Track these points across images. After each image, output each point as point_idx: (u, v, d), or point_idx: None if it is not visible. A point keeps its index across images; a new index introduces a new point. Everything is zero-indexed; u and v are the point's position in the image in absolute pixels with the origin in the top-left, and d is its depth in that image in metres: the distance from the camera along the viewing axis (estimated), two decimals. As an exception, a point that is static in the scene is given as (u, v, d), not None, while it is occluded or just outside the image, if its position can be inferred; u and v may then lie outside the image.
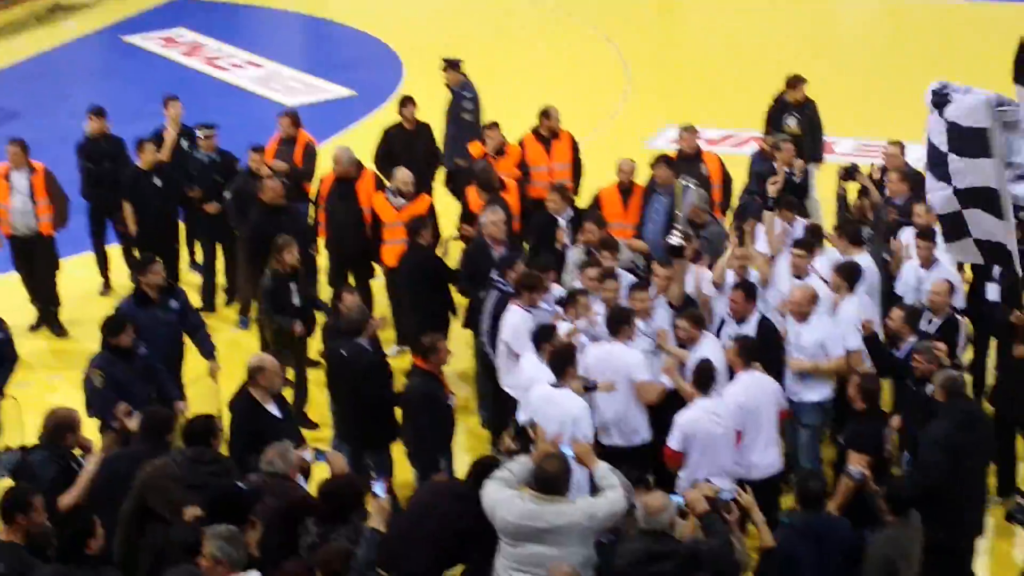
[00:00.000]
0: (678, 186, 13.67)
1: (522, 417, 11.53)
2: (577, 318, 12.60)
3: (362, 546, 8.65)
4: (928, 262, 13.67)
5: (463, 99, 18.35)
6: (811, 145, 17.49)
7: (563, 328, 12.32)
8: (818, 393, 12.48)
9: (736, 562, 9.31)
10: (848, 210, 15.54)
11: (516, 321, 12.82)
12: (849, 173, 15.74)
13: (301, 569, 8.24)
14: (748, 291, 12.77)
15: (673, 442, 11.46)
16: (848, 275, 12.96)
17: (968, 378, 12.96)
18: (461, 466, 11.33)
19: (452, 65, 18.59)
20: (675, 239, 13.13)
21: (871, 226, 14.56)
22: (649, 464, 11.66)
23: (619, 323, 12.31)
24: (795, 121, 17.71)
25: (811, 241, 13.67)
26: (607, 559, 9.37)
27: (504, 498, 9.45)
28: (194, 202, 16.97)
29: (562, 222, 15.08)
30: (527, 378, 12.05)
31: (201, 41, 28.63)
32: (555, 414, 11.14)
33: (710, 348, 12.27)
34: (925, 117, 11.44)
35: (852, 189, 15.62)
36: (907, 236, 14.36)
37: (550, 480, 9.40)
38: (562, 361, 11.61)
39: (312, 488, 10.20)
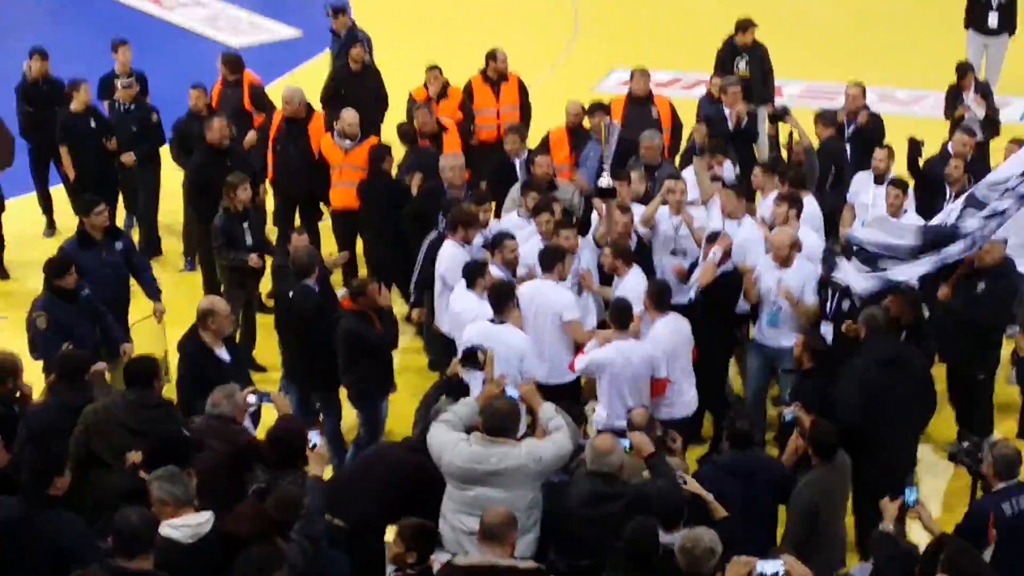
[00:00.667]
0: (602, 127, 13.70)
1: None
2: (503, 262, 12.65)
3: (309, 494, 8.62)
4: (898, 210, 13.71)
5: (355, 43, 18.08)
6: (760, 88, 17.49)
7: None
8: (792, 340, 12.47)
9: (682, 502, 9.34)
10: (778, 150, 15.71)
11: (448, 255, 12.98)
12: (778, 115, 15.83)
13: (253, 511, 8.20)
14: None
15: (579, 364, 11.79)
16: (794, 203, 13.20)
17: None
18: (410, 409, 11.30)
19: (340, 11, 18.46)
20: (604, 180, 13.21)
21: (802, 170, 14.61)
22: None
23: (552, 261, 12.40)
24: (745, 64, 17.70)
25: (743, 186, 13.90)
26: (557, 499, 9.36)
27: (450, 441, 9.43)
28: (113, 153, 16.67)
29: (519, 164, 15.09)
30: (459, 311, 12.20)
31: (145, -20, 28.32)
32: (499, 351, 11.14)
33: (635, 282, 12.39)
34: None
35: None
36: (862, 180, 14.54)
37: (497, 422, 9.39)
38: (502, 297, 11.68)
39: (261, 433, 10.16)
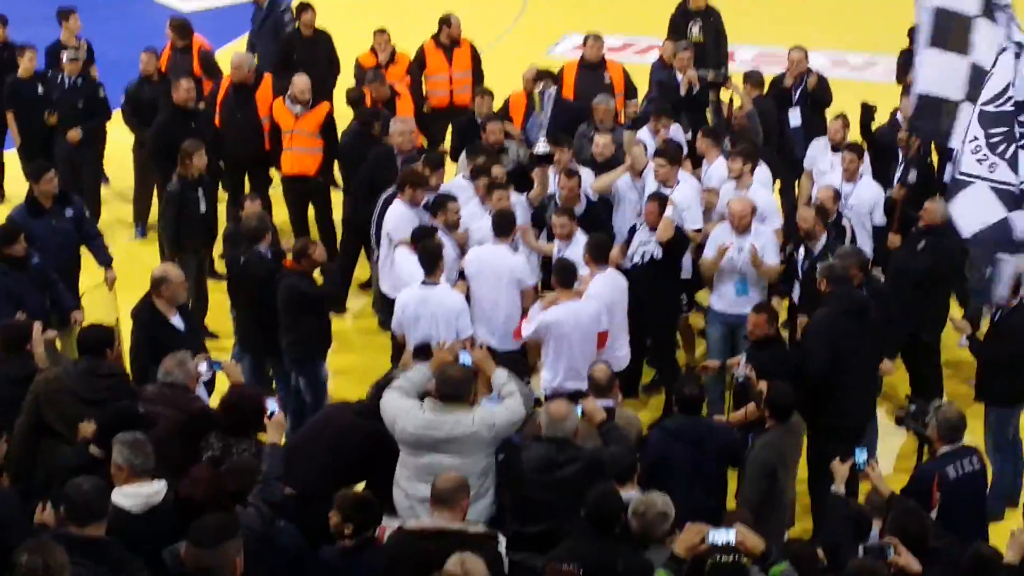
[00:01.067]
0: (536, 95, 13.73)
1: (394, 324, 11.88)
2: (445, 223, 12.73)
3: (265, 460, 8.60)
4: (854, 175, 13.77)
5: (281, 12, 18.01)
6: (714, 53, 17.49)
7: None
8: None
9: (634, 464, 9.39)
10: (721, 115, 15.85)
11: (396, 214, 13.04)
12: (718, 82, 16.09)
13: (207, 474, 8.18)
14: (662, 202, 12.92)
15: (526, 329, 11.82)
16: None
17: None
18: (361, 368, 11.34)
19: None
20: (540, 147, 13.40)
21: (746, 135, 14.69)
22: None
23: (505, 227, 12.49)
24: (698, 29, 17.68)
25: (672, 151, 13.71)
26: (513, 462, 9.39)
27: (404, 407, 9.43)
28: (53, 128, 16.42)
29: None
30: (401, 273, 12.37)
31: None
32: (437, 312, 11.37)
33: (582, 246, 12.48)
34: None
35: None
36: (819, 147, 14.61)
37: (451, 389, 9.38)
38: (433, 258, 11.81)
39: (215, 401, 10.15)
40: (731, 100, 15.59)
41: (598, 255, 12.19)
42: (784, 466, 10.27)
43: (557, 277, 11.96)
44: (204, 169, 14.12)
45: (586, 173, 13.86)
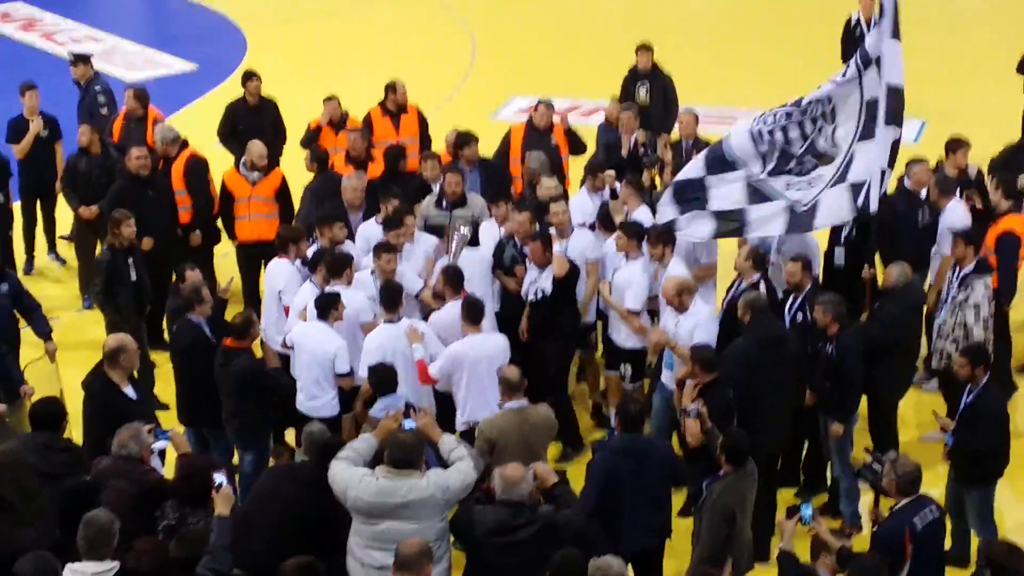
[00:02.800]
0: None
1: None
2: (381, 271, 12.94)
3: (215, 531, 8.54)
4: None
5: (96, 93, 17.96)
6: (662, 115, 17.61)
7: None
8: None
9: (590, 530, 9.40)
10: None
11: (275, 272, 13.46)
12: (651, 164, 16.40)
13: (153, 546, 8.11)
14: (546, 242, 13.26)
15: (433, 370, 11.96)
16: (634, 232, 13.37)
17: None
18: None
19: (81, 59, 18.27)
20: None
21: None
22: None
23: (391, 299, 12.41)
24: (645, 91, 17.86)
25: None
26: (468, 526, 9.38)
27: (355, 476, 9.43)
28: None
29: (436, 188, 15.11)
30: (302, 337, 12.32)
31: (37, 16, 28.06)
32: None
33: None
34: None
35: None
36: None
37: (404, 455, 9.40)
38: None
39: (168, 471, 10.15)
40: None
41: (455, 285, 12.65)
42: (742, 510, 10.36)
43: (463, 314, 12.18)
44: (133, 239, 14.00)
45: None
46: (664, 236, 13.23)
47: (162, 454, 10.40)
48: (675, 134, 16.65)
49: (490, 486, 9.64)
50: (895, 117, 13.00)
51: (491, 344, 12.06)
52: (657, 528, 10.63)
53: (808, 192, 13.25)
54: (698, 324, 12.35)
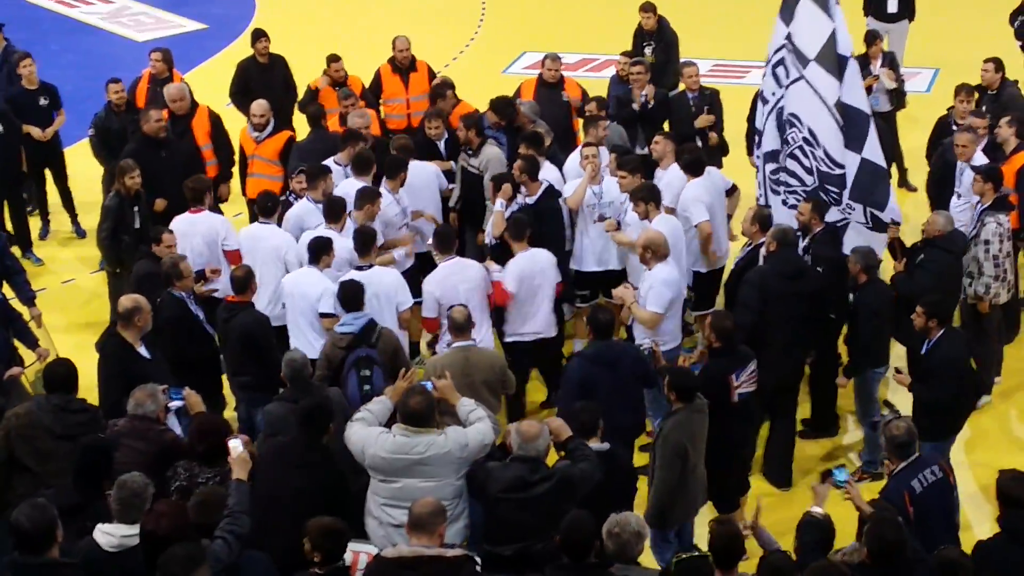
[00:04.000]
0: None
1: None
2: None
3: (232, 495, 8.55)
4: None
5: (14, 61, 17.44)
6: (661, 69, 17.54)
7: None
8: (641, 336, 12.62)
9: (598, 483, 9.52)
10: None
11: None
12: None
13: (172, 509, 8.14)
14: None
15: (511, 286, 12.71)
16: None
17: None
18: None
19: None
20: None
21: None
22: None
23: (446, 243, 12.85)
24: (650, 49, 17.83)
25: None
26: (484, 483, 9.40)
27: (371, 435, 9.44)
28: None
29: (441, 145, 15.16)
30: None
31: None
32: (379, 292, 12.14)
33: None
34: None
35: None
36: None
37: (417, 413, 9.41)
38: (367, 241, 12.41)
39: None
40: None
41: (518, 232, 12.88)
42: (693, 445, 10.53)
43: (509, 232, 12.86)
44: (139, 187, 14.03)
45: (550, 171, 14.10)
46: (647, 194, 13.18)
47: (177, 413, 10.46)
48: (681, 86, 16.59)
49: (507, 443, 9.66)
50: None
51: (543, 259, 12.84)
52: (632, 430, 11.32)
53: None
54: (652, 286, 12.32)
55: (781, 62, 13.40)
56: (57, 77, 17.56)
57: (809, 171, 13.33)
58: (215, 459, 9.29)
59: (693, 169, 13.74)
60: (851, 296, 12.32)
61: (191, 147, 15.70)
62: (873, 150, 13.20)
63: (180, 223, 13.54)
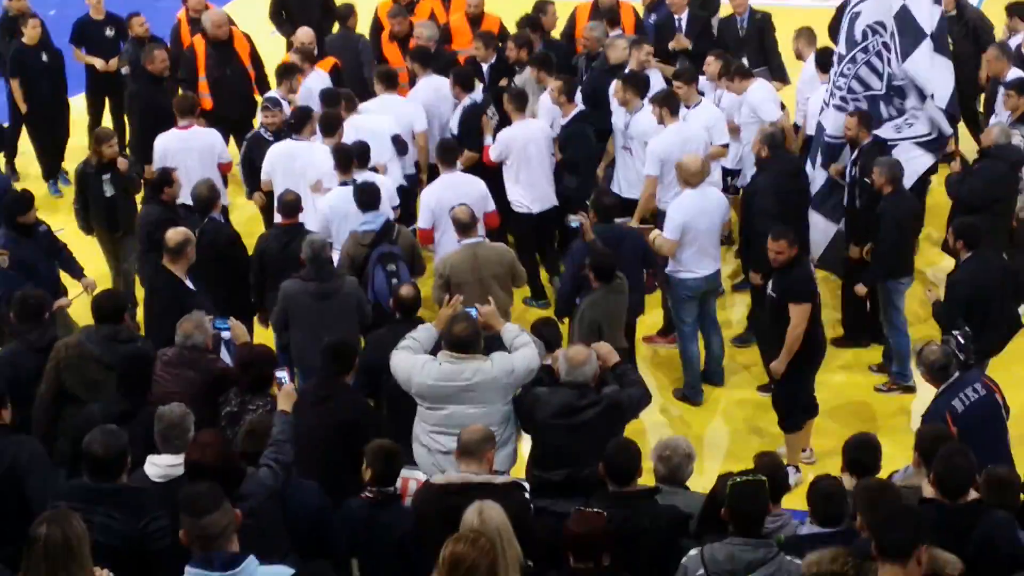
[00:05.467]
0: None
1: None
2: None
3: (277, 424, 8.59)
4: None
5: None
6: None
7: None
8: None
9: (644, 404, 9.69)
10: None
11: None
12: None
13: (215, 439, 8.18)
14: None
15: (493, 152, 13.69)
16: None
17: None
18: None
19: None
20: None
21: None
22: None
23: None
24: None
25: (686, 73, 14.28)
26: (533, 409, 9.40)
27: (417, 363, 9.45)
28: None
29: (486, 68, 15.24)
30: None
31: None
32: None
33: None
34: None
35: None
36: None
37: (463, 339, 9.40)
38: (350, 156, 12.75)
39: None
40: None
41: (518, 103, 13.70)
42: (608, 323, 11.18)
43: (511, 103, 13.66)
44: (116, 156, 13.67)
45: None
46: (633, 81, 13.63)
47: (228, 343, 10.51)
48: (726, 9, 16.43)
49: (554, 368, 9.64)
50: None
51: (536, 130, 13.68)
52: (633, 308, 11.95)
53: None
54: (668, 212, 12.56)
55: None
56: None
57: (880, 76, 13.21)
58: (261, 389, 9.36)
59: (746, 74, 14.15)
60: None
61: (241, 69, 15.76)
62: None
63: (171, 140, 13.73)
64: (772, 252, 11.20)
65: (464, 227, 11.83)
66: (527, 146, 13.66)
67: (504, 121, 14.06)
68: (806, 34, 15.03)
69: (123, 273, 13.83)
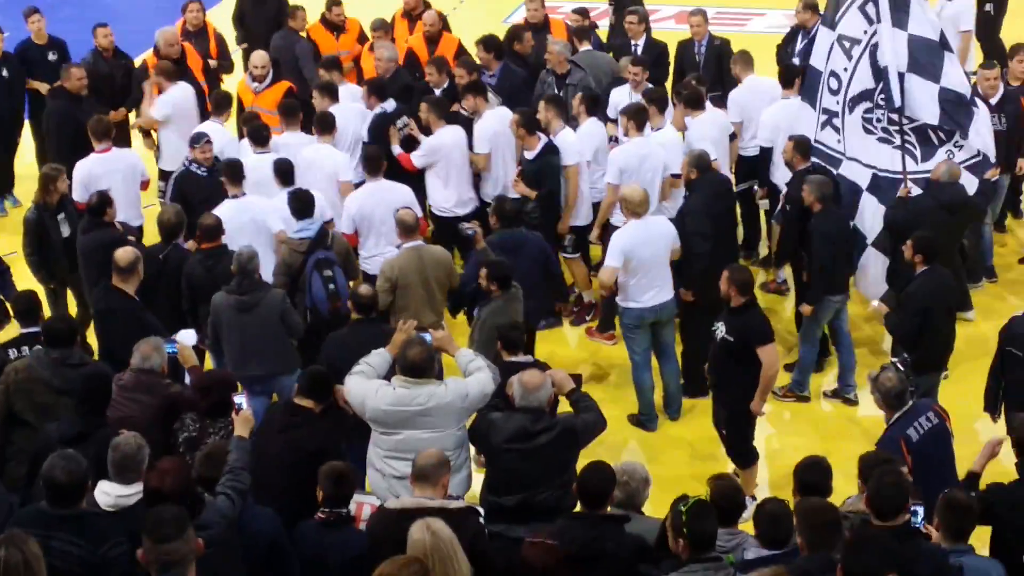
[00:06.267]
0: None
1: None
2: None
3: (233, 451, 8.56)
4: None
5: None
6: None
7: None
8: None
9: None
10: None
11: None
12: None
13: (176, 465, 8.14)
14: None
15: (416, 159, 14.06)
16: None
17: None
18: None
19: None
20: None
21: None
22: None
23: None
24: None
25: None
26: (487, 434, 9.40)
27: (371, 388, 9.43)
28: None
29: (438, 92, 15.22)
30: None
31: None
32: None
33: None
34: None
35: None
36: None
37: (417, 364, 9.39)
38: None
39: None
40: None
41: (439, 111, 14.01)
42: None
43: (434, 111, 14.02)
44: (67, 192, 13.24)
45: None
46: (632, 112, 13.69)
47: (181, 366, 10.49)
48: (684, 34, 16.49)
49: (508, 394, 9.64)
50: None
51: (460, 137, 13.99)
52: (533, 311, 12.35)
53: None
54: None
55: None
56: (58, 30, 17.36)
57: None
58: (220, 414, 9.33)
59: (694, 104, 14.26)
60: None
61: (195, 86, 15.73)
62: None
63: (93, 164, 13.68)
64: (724, 288, 11.25)
65: (408, 229, 12.09)
66: (453, 151, 14.03)
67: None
68: (743, 58, 15.13)
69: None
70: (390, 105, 14.56)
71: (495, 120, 14.17)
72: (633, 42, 16.20)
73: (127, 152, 14.27)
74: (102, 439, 8.53)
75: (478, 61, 15.52)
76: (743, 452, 11.51)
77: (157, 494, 7.68)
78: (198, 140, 13.65)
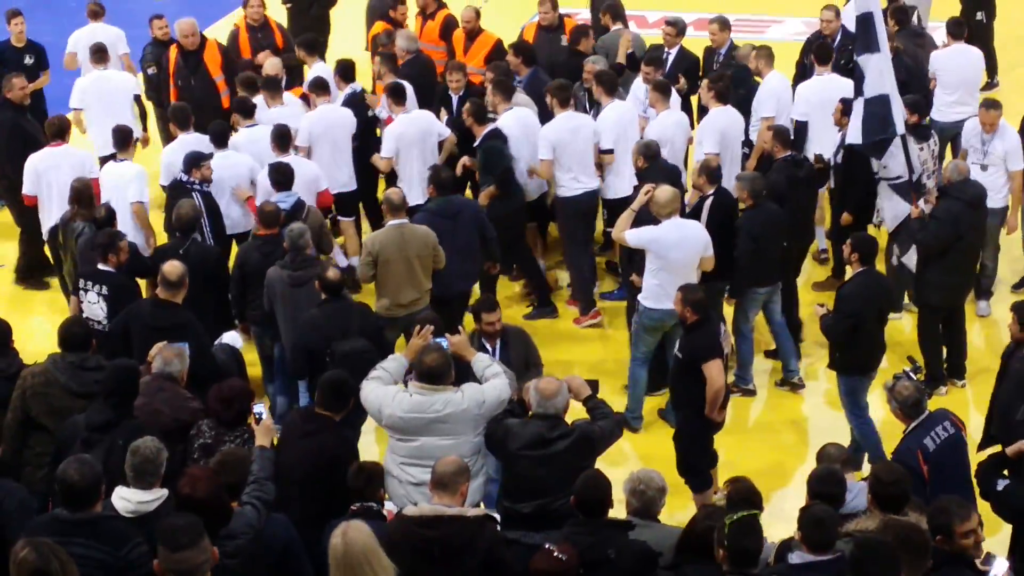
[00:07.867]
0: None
1: None
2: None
3: (256, 461, 8.55)
4: None
5: None
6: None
7: None
8: None
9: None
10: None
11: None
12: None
13: (206, 473, 8.11)
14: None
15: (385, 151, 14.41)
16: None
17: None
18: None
19: None
20: None
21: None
22: None
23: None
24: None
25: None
26: (504, 441, 9.37)
27: (388, 394, 9.40)
28: None
29: (455, 100, 15.23)
30: None
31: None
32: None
33: None
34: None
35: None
36: None
37: (434, 371, 9.36)
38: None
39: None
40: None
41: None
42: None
43: (389, 99, 14.45)
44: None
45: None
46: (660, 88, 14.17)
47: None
48: (707, 42, 16.36)
49: (525, 400, 9.60)
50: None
51: (425, 122, 14.37)
52: (472, 274, 13.20)
53: None
54: None
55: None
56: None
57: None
58: (236, 423, 9.31)
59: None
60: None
61: (207, 80, 15.89)
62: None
63: (44, 157, 13.97)
64: (679, 308, 11.29)
65: (395, 208, 12.45)
66: (426, 137, 14.34)
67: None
68: (765, 53, 15.15)
69: None
70: (357, 86, 15.12)
71: (512, 120, 14.26)
72: (666, 51, 16.06)
73: (77, 150, 14.33)
74: (132, 429, 8.64)
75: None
76: (698, 471, 11.37)
77: (189, 501, 7.68)
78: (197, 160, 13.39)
